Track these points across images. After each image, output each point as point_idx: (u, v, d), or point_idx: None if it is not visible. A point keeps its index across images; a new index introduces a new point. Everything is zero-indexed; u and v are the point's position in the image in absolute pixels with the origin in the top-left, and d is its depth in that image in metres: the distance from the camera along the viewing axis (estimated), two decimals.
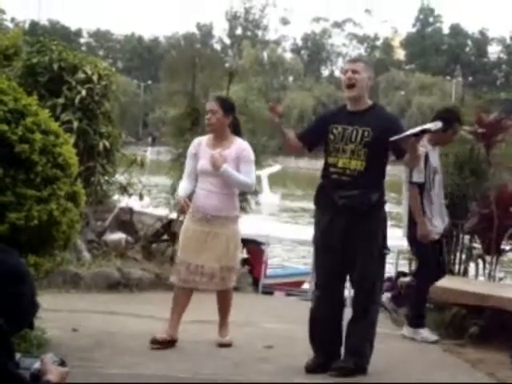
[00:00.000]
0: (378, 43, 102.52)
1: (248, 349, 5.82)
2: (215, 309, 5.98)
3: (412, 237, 6.61)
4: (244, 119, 5.95)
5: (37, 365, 2.58)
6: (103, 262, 8.49)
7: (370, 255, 5.13)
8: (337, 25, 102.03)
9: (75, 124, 8.95)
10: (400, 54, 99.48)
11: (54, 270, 5.72)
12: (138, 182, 10.12)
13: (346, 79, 5.18)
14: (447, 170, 8.38)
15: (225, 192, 5.72)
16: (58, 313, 6.31)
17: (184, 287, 5.72)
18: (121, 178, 9.97)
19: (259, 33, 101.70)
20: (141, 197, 10.12)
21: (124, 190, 9.87)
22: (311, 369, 5.19)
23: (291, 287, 14.28)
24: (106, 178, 9.73)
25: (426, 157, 6.31)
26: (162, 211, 10.59)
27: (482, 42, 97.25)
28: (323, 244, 5.23)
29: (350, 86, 5.15)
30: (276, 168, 27.76)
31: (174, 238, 9.61)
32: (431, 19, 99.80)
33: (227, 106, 5.85)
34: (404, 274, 9.37)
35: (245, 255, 10.64)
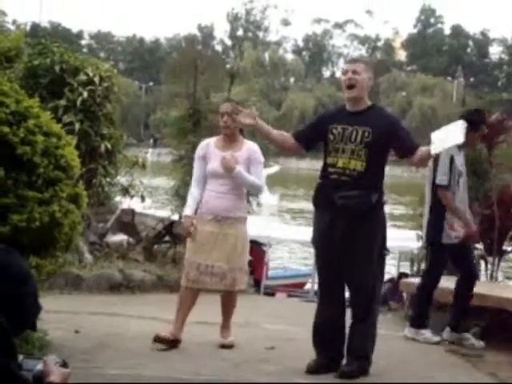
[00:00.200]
0: (379, 44, 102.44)
1: (249, 350, 5.82)
2: (216, 310, 5.98)
3: (430, 238, 6.50)
4: None
5: (39, 366, 2.59)
6: (105, 264, 8.50)
7: (369, 256, 5.12)
8: (338, 26, 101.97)
9: (77, 126, 8.97)
10: (401, 54, 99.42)
11: (55, 272, 5.73)
12: (140, 183, 10.13)
13: (346, 80, 5.16)
14: None
15: (235, 193, 5.76)
16: (60, 314, 6.32)
17: (192, 288, 5.72)
18: (122, 179, 9.99)
19: (260, 34, 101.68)
20: (142, 198, 10.13)
21: (126, 191, 9.89)
22: (313, 370, 5.19)
23: (293, 288, 14.30)
24: (108, 179, 9.75)
25: (452, 159, 6.21)
26: (164, 213, 10.61)
27: (483, 42, 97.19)
28: (323, 245, 5.23)
29: (350, 86, 5.14)
30: (274, 169, 27.76)
31: (175, 239, 9.63)
32: (432, 20, 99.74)
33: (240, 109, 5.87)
34: (406, 275, 9.39)
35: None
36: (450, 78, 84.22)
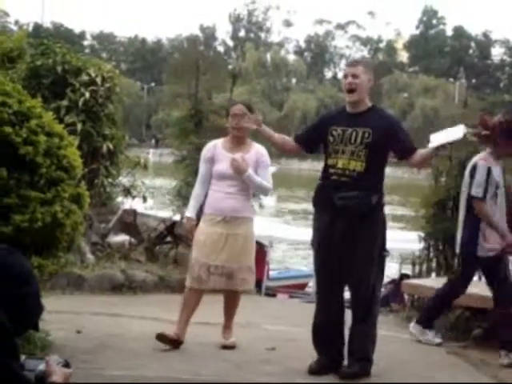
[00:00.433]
0: (382, 45, 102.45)
1: (251, 351, 5.83)
2: (218, 311, 5.98)
3: (464, 251, 6.28)
4: None
5: (41, 366, 2.59)
6: (107, 264, 8.50)
7: (369, 257, 5.13)
8: (340, 27, 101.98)
9: (79, 126, 8.97)
10: (403, 56, 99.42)
11: (57, 272, 5.73)
12: (142, 184, 10.14)
13: (346, 84, 5.17)
14: (451, 172, 8.39)
15: (242, 194, 5.79)
16: (62, 315, 6.32)
17: (198, 288, 5.74)
18: (124, 180, 9.99)
19: (262, 35, 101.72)
20: (144, 199, 10.13)
21: (127, 192, 9.89)
22: (315, 371, 5.19)
23: (294, 289, 14.30)
24: (110, 180, 9.75)
25: (489, 171, 6.11)
26: (166, 213, 10.61)
27: (485, 44, 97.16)
28: (322, 245, 5.22)
29: (351, 90, 5.14)
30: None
31: (177, 240, 9.63)
32: (434, 21, 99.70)
33: (252, 111, 5.91)
34: (407, 277, 9.38)
35: None
36: (452, 80, 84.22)
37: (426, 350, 6.34)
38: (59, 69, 9.21)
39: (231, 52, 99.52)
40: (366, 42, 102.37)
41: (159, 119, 61.47)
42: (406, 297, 9.49)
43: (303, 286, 15.02)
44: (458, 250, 6.45)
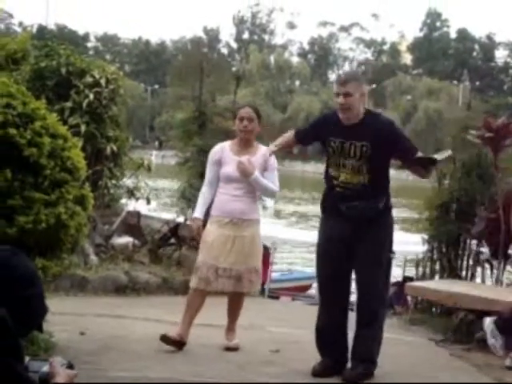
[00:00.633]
0: (385, 47, 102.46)
1: (254, 353, 5.83)
2: (221, 312, 5.99)
3: None
4: (260, 126, 5.97)
5: (45, 368, 2.59)
6: (110, 266, 8.51)
7: (377, 261, 5.12)
8: (344, 29, 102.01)
9: (83, 128, 8.98)
10: (407, 58, 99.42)
11: (61, 274, 5.73)
12: (145, 185, 10.15)
13: (338, 104, 5.05)
14: (454, 174, 8.39)
15: (249, 196, 5.81)
16: (66, 316, 6.32)
17: (203, 289, 5.75)
18: (128, 181, 10.00)
19: (266, 37, 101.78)
20: (148, 200, 10.14)
21: (131, 193, 9.90)
22: (318, 372, 5.19)
23: (297, 291, 14.29)
24: (114, 181, 9.76)
25: None
26: (168, 215, 10.62)
27: (489, 46, 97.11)
28: (328, 248, 5.21)
29: (344, 110, 5.05)
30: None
31: (181, 241, 9.64)
32: (438, 23, 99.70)
33: (259, 114, 5.96)
34: (411, 279, 9.38)
35: None
36: (455, 82, 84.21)
37: (430, 353, 6.33)
38: (63, 70, 9.22)
39: (235, 54, 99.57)
40: (369, 44, 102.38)
41: (163, 121, 61.50)
42: (409, 299, 9.48)
43: (306, 288, 15.01)
44: None
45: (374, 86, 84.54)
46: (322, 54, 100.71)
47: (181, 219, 9.93)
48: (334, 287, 5.22)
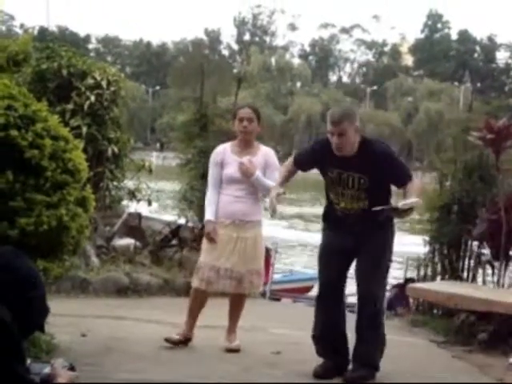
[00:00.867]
0: (386, 49, 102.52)
1: (256, 354, 5.82)
2: (222, 314, 5.99)
3: None
4: (260, 126, 5.98)
5: (47, 370, 2.60)
6: (112, 267, 8.51)
7: (377, 269, 5.12)
8: (345, 31, 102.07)
9: (84, 129, 8.99)
10: (408, 59, 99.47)
11: (62, 276, 5.73)
12: (147, 187, 10.15)
13: (333, 143, 4.96)
14: (456, 176, 8.39)
15: (252, 197, 5.81)
16: (67, 318, 6.32)
17: (206, 290, 5.77)
18: (129, 183, 10.01)
19: (267, 39, 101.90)
20: (149, 202, 10.15)
21: (132, 195, 9.90)
22: (320, 374, 5.18)
23: (299, 293, 14.29)
24: (115, 183, 9.76)
25: None
26: (168, 216, 10.63)
27: (490, 47, 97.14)
28: (329, 257, 5.20)
29: (339, 149, 4.98)
30: None
31: (182, 243, 9.65)
32: (439, 25, 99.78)
33: (259, 114, 5.95)
34: (412, 280, 9.37)
35: None
36: (456, 83, 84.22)
37: (431, 355, 6.33)
38: (64, 72, 9.23)
39: (236, 56, 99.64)
40: (370, 45, 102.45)
41: (164, 123, 61.58)
42: (411, 301, 9.48)
43: (308, 289, 15.01)
44: None
45: (375, 87, 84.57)
46: (323, 56, 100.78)
47: (182, 221, 9.93)
48: (333, 295, 5.23)
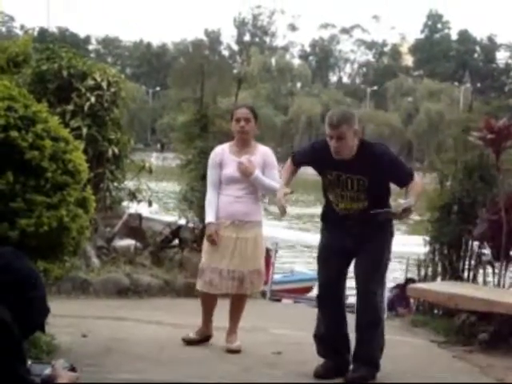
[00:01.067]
0: (386, 49, 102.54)
1: (257, 355, 5.82)
2: (221, 315, 5.99)
3: None
4: (257, 126, 5.99)
5: (47, 371, 2.60)
6: (112, 268, 8.51)
7: (376, 269, 5.12)
8: (345, 31, 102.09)
9: (84, 131, 8.98)
10: (408, 60, 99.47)
11: (63, 276, 5.74)
12: (147, 188, 10.15)
13: (332, 147, 4.96)
14: (456, 176, 8.39)
15: (252, 197, 5.83)
16: (68, 319, 6.33)
17: (215, 293, 5.82)
18: (130, 184, 10.00)
19: (267, 39, 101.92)
20: (149, 203, 10.14)
21: (133, 196, 9.90)
22: (321, 374, 5.18)
23: (300, 293, 14.29)
24: (115, 184, 9.76)
25: None
26: (168, 217, 10.62)
27: (490, 48, 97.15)
28: (329, 259, 5.20)
29: (337, 152, 4.98)
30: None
31: (182, 244, 9.65)
32: (439, 25, 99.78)
33: (256, 114, 5.96)
34: (413, 281, 9.37)
35: None
36: (456, 84, 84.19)
37: (432, 355, 6.33)
38: (65, 73, 9.22)
39: (236, 56, 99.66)
40: (370, 46, 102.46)
41: (164, 123, 61.58)
42: (411, 301, 9.48)
43: (308, 290, 15.01)
44: None
45: (375, 87, 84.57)
46: (323, 56, 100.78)
47: (182, 221, 9.93)
48: (333, 296, 5.23)
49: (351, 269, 5.27)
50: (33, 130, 4.78)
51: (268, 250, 12.88)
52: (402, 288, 10.68)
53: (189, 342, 5.88)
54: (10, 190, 4.61)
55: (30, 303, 2.49)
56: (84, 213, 5.09)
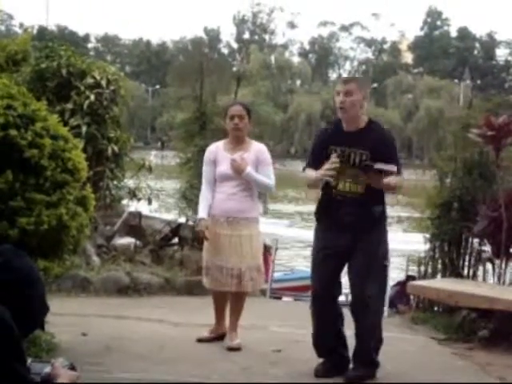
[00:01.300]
0: (386, 46, 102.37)
1: (257, 353, 5.82)
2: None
3: None
4: (251, 123, 6.02)
5: (47, 369, 2.59)
6: (112, 267, 8.50)
7: (371, 268, 5.10)
8: (344, 28, 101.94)
9: (84, 129, 8.97)
10: (408, 57, 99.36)
11: (63, 275, 5.74)
12: (147, 186, 10.14)
13: (338, 102, 5.01)
14: (456, 173, 8.38)
15: (246, 194, 5.84)
16: (68, 317, 6.32)
17: (222, 290, 5.85)
18: (129, 182, 10.00)
19: (267, 37, 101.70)
20: (149, 201, 10.14)
21: (133, 194, 9.89)
22: (320, 373, 5.19)
23: (300, 291, 14.26)
24: (115, 182, 9.75)
25: None
26: (168, 215, 10.62)
27: (490, 44, 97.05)
28: (323, 260, 5.19)
29: (343, 108, 5.01)
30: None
31: (182, 242, 9.64)
32: (439, 22, 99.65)
33: (249, 111, 5.99)
34: (413, 278, 9.37)
35: None
36: (456, 81, 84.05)
37: (432, 352, 6.33)
38: (64, 71, 9.21)
39: (236, 54, 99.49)
40: (370, 43, 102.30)
41: (164, 121, 61.54)
42: (411, 298, 9.47)
43: (309, 288, 14.97)
44: None
45: (375, 85, 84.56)
46: (322, 54, 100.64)
47: (182, 219, 9.92)
48: (328, 295, 5.23)
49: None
50: (32, 128, 4.78)
51: (268, 248, 12.88)
52: (402, 285, 10.67)
53: (204, 341, 5.92)
54: (9, 188, 4.61)
55: (30, 301, 2.49)
56: (84, 211, 5.09)
